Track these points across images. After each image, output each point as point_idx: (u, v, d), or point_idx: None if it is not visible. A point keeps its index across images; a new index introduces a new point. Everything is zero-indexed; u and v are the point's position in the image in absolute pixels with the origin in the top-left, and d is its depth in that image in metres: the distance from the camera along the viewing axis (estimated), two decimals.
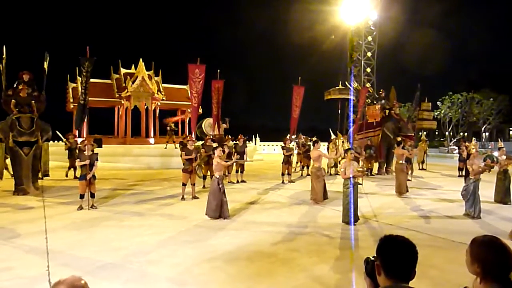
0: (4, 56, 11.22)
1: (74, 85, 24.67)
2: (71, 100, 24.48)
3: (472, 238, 1.87)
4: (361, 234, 6.71)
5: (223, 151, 9.15)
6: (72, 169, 14.52)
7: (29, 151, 10.86)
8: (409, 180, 12.55)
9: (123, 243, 6.09)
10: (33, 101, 11.35)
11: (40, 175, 12.01)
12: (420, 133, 22.71)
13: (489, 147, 37.96)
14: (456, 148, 32.60)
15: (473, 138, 22.66)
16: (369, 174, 15.91)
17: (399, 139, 13.97)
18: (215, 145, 13.27)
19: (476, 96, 44.94)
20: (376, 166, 17.29)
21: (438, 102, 45.84)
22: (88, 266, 5.02)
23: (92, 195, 8.94)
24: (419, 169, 18.38)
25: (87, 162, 8.67)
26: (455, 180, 14.43)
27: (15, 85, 11.48)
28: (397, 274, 1.64)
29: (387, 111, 18.12)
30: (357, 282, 4.45)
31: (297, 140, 16.98)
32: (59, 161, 18.63)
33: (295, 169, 16.61)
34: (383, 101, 19.00)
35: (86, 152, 8.78)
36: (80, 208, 8.68)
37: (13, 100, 11.04)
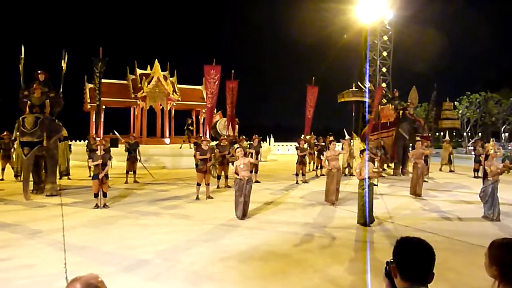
0: (22, 56, 11.26)
1: (91, 85, 25.03)
2: (88, 101, 24.88)
3: (491, 241, 1.84)
4: (376, 235, 6.64)
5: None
6: (131, 172, 13.77)
7: (28, 152, 10.26)
8: (425, 181, 12.36)
9: (139, 241, 6.16)
10: (47, 101, 11.07)
11: (58, 175, 12.12)
12: (452, 133, 22.24)
13: (509, 147, 37.09)
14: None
15: (492, 139, 22.13)
16: None
17: (418, 139, 13.77)
18: (254, 145, 13.36)
19: (495, 96, 43.98)
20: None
21: (455, 102, 45.03)
22: (104, 263, 5.10)
23: (104, 195, 9.05)
24: (440, 170, 18.02)
25: (100, 161, 8.81)
26: (473, 181, 14.15)
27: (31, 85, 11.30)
28: (413, 276, 1.63)
29: (401, 112, 17.89)
30: (372, 283, 4.41)
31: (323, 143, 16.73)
32: (78, 161, 18.97)
33: (309, 169, 16.55)
34: (396, 101, 18.76)
35: (98, 152, 8.92)
36: (96, 206, 8.82)
37: (28, 101, 10.86)
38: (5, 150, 14.41)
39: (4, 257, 5.30)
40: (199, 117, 28.67)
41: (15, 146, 14.23)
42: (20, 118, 10.66)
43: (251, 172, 13.71)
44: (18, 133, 10.56)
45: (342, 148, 16.64)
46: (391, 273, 1.71)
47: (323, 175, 15.50)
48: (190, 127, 21.91)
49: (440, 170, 18.11)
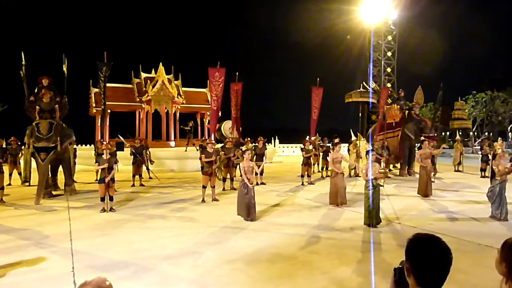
0: (23, 62, 11.30)
1: (96, 90, 25.23)
2: (94, 105, 25.06)
3: (505, 239, 1.85)
4: (383, 236, 6.60)
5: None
6: (137, 176, 13.70)
7: (45, 157, 10.53)
8: (432, 181, 12.25)
9: (145, 244, 6.17)
10: (56, 106, 11.26)
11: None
12: (458, 133, 22.02)
13: None
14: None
15: (499, 138, 21.91)
16: None
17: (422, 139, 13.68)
18: (259, 147, 13.42)
19: (501, 95, 43.64)
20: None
21: (461, 101, 44.72)
22: (111, 267, 5.11)
23: (111, 198, 9.08)
24: (455, 171, 17.91)
25: (106, 165, 8.84)
26: (480, 181, 14.04)
27: (36, 91, 11.40)
28: (429, 281, 1.48)
29: (407, 112, 17.80)
30: (380, 285, 4.38)
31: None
32: (84, 165, 19.09)
33: (314, 171, 16.48)
34: (402, 101, 18.67)
35: (104, 156, 8.97)
36: (103, 210, 8.86)
37: (37, 107, 10.96)
38: (13, 155, 14.51)
39: (12, 262, 5.33)
40: (204, 120, 28.73)
41: (22, 151, 14.36)
42: (34, 124, 10.82)
43: (256, 174, 13.80)
44: (32, 139, 10.67)
45: (349, 149, 16.56)
46: (399, 280, 1.59)
47: (328, 176, 15.44)
48: (189, 128, 21.60)
49: (455, 171, 17.93)
